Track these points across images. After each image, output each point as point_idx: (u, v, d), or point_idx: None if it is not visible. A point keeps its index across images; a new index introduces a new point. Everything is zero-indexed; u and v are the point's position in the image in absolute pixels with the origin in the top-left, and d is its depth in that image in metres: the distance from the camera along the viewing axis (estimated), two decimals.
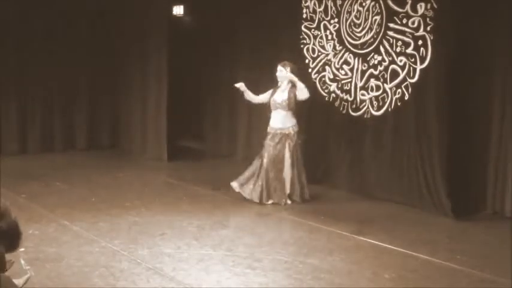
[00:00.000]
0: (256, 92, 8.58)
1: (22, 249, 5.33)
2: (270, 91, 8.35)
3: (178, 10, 11.84)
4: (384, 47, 8.42)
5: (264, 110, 10.77)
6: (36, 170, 9.87)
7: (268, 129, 8.23)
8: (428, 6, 7.84)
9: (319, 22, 9.29)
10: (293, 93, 8.13)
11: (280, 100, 8.18)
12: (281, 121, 8.16)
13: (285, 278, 5.59)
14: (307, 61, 9.43)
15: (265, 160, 8.11)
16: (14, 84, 11.08)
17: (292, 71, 8.16)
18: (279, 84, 8.28)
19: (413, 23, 8.04)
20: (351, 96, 8.90)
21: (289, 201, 8.15)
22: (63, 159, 10.89)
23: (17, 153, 11.03)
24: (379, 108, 8.54)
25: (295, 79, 8.13)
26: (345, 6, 8.96)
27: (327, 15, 9.19)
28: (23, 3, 10.81)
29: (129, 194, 8.51)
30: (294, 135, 8.13)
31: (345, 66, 8.99)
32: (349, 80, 8.92)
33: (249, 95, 8.47)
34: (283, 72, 8.20)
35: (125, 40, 11.62)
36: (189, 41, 12.06)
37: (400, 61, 8.23)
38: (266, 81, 10.69)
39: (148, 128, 11.34)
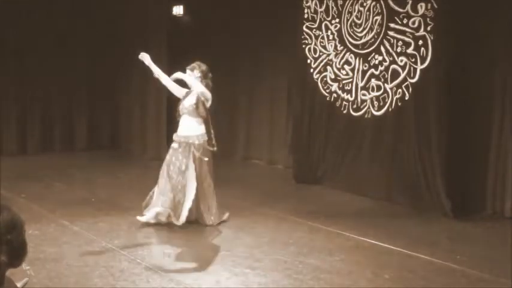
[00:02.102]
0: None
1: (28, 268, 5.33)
2: (187, 91, 7.28)
3: (178, 10, 11.83)
4: (385, 47, 8.42)
5: (265, 110, 10.84)
6: (36, 170, 9.88)
7: (174, 137, 7.18)
8: (429, 6, 7.84)
9: (321, 22, 9.28)
10: (203, 97, 7.09)
11: (187, 104, 7.11)
12: (187, 128, 7.09)
13: (284, 278, 5.58)
14: (308, 61, 9.43)
15: (165, 168, 7.06)
16: (14, 84, 11.09)
17: (202, 74, 7.14)
18: (192, 89, 7.17)
19: (413, 23, 8.04)
20: (351, 96, 8.89)
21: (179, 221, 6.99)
22: (63, 159, 10.89)
23: (17, 153, 11.03)
24: (379, 108, 8.54)
25: (192, 83, 7.05)
26: (346, 7, 8.96)
27: (328, 16, 9.19)
28: (22, 4, 10.81)
29: (129, 194, 8.50)
30: (199, 146, 7.10)
31: (346, 66, 8.99)
32: (350, 80, 8.92)
33: (163, 77, 7.20)
34: (192, 77, 7.11)
35: (124, 40, 11.61)
36: (188, 41, 12.05)
37: (401, 61, 8.22)
38: (266, 81, 10.75)
39: (148, 128, 11.34)
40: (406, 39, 8.13)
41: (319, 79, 9.31)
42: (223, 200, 8.27)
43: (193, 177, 6.99)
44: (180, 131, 7.13)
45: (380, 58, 8.50)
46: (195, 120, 7.12)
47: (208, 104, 7.17)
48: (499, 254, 6.27)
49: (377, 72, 8.55)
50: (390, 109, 8.42)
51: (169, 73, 7.25)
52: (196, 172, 7.02)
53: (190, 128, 7.10)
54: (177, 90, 7.33)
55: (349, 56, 8.94)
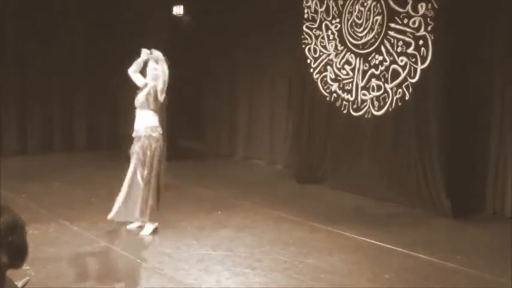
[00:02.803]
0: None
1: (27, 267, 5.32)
2: (145, 83, 6.97)
3: (178, 10, 11.83)
4: (385, 47, 8.42)
5: (265, 110, 10.84)
6: (36, 170, 9.87)
7: (133, 133, 6.94)
8: (429, 6, 7.84)
9: (321, 22, 9.28)
10: (154, 90, 6.84)
11: (141, 98, 6.89)
12: (142, 122, 6.86)
13: (284, 278, 5.58)
14: (308, 61, 9.43)
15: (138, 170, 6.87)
16: (14, 84, 11.07)
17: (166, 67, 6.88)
18: (149, 80, 6.96)
19: (414, 23, 8.04)
20: (352, 96, 8.89)
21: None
22: (63, 159, 10.89)
23: (17, 153, 11.02)
24: (380, 108, 8.54)
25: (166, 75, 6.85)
26: (347, 6, 8.96)
27: (328, 16, 9.19)
28: (22, 4, 10.79)
29: None
30: (155, 138, 6.85)
31: (346, 66, 8.99)
32: (351, 80, 8.91)
33: (138, 65, 6.95)
34: (159, 70, 6.84)
35: (124, 40, 11.60)
36: (189, 41, 12.06)
37: (401, 61, 8.22)
38: (266, 81, 10.75)
39: None
40: (407, 39, 8.13)
41: (319, 79, 9.31)
42: (223, 199, 8.30)
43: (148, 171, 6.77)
44: (136, 125, 6.90)
45: (380, 58, 8.50)
46: (149, 112, 6.86)
47: (162, 98, 6.89)
48: (499, 254, 6.27)
49: (377, 72, 8.55)
50: (390, 109, 8.42)
51: (168, 73, 7.06)
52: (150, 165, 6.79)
53: (145, 121, 6.85)
54: (141, 83, 7.00)
55: (350, 56, 8.94)
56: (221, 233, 6.89)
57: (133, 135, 6.93)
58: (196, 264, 5.88)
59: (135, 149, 6.85)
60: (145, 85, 6.94)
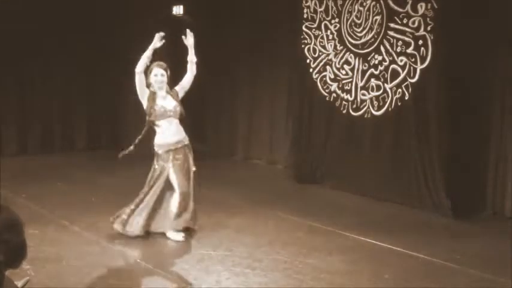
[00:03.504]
0: None
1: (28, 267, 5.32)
2: (147, 90, 6.61)
3: (178, 10, 11.83)
4: (385, 46, 8.42)
5: (265, 110, 10.84)
6: (36, 170, 9.88)
7: (164, 147, 6.65)
8: (429, 6, 7.84)
9: (320, 22, 9.28)
10: (177, 95, 6.72)
11: (171, 106, 6.59)
12: (177, 131, 6.68)
13: (284, 278, 5.58)
14: (308, 61, 9.43)
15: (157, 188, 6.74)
16: (14, 84, 11.08)
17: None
18: (153, 89, 6.61)
19: (413, 22, 8.03)
20: (351, 96, 8.89)
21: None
22: (63, 159, 10.89)
23: (17, 153, 11.03)
24: (379, 108, 8.54)
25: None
26: (346, 6, 8.96)
27: (327, 15, 9.19)
28: (22, 5, 10.79)
29: (129, 194, 8.47)
30: (190, 146, 6.78)
31: (345, 66, 8.99)
32: (350, 79, 8.92)
33: (145, 60, 6.56)
34: (165, 77, 6.62)
35: (124, 40, 11.61)
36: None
37: (401, 61, 8.22)
38: (266, 81, 10.75)
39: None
40: (406, 39, 8.13)
41: (319, 79, 9.31)
42: (223, 200, 8.29)
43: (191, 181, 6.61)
44: (169, 137, 6.61)
45: (380, 58, 8.50)
46: (177, 121, 6.68)
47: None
48: (499, 254, 6.27)
49: (377, 72, 8.55)
50: (390, 109, 8.42)
51: (168, 73, 6.95)
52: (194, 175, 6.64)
53: (181, 130, 6.71)
54: (142, 90, 6.61)
55: (349, 56, 8.94)
56: (221, 233, 6.89)
57: (174, 147, 6.62)
58: (196, 264, 5.88)
59: (191, 158, 6.67)
60: (152, 94, 6.57)
